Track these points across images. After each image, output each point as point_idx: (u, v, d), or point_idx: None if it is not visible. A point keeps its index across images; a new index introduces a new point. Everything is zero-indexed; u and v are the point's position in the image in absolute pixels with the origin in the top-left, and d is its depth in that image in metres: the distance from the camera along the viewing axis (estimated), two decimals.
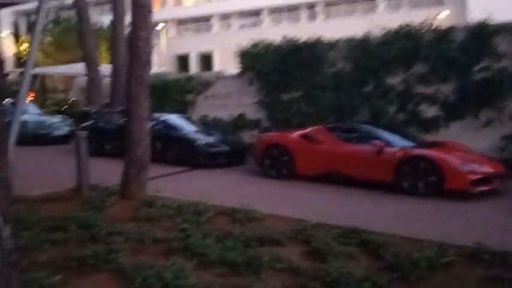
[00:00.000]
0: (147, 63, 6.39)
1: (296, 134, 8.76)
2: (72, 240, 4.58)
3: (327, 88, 10.59)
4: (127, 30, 16.94)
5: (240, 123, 11.98)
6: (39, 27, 6.51)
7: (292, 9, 34.84)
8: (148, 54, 6.38)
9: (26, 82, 6.45)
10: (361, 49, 10.24)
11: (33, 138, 12.51)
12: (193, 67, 34.60)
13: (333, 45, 10.70)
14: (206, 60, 35.36)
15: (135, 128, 6.37)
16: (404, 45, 9.81)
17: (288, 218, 5.59)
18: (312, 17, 34.04)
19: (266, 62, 11.28)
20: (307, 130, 8.77)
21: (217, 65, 33.34)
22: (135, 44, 6.27)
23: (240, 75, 12.12)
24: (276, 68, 11.12)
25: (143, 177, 6.45)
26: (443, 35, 9.61)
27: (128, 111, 6.49)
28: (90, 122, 11.96)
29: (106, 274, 3.84)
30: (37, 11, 6.44)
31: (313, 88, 10.74)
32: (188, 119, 11.73)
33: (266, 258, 4.05)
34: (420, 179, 7.18)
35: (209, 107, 12.63)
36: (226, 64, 29.02)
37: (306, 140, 8.49)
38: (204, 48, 35.16)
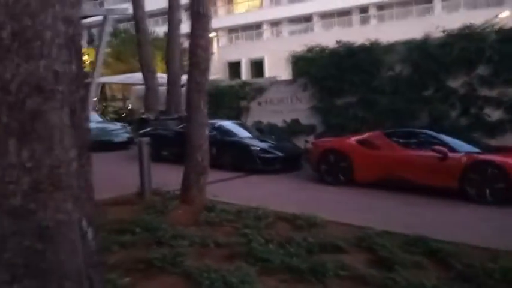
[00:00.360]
0: (206, 71, 6.51)
1: (353, 139, 8.60)
2: (139, 243, 4.71)
3: (384, 92, 10.33)
4: (182, 40, 17.47)
5: (294, 128, 11.92)
6: (104, 39, 6.81)
7: (344, 13, 34.43)
8: (207, 61, 6.50)
9: (92, 91, 6.76)
10: (420, 52, 9.91)
11: (95, 144, 13.00)
12: (244, 74, 34.94)
13: (390, 48, 10.43)
14: (257, 67, 35.60)
15: (195, 134, 6.49)
16: (466, 47, 9.40)
17: (350, 225, 5.48)
18: (365, 21, 33.46)
19: (320, 66, 11.17)
20: (364, 135, 8.59)
21: (267, 71, 33.48)
22: (194, 52, 6.41)
23: (293, 80, 12.09)
24: (330, 73, 10.99)
25: (203, 182, 6.54)
26: (508, 35, 9.12)
27: (188, 117, 6.63)
28: (148, 129, 12.33)
29: (173, 277, 3.92)
30: (102, 23, 6.75)
31: (369, 92, 10.51)
32: (242, 125, 11.83)
33: (330, 265, 3.98)
34: (487, 185, 6.84)
35: (263, 112, 12.67)
36: (277, 70, 29.09)
37: (364, 145, 8.32)
38: (255, 55, 35.42)
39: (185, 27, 17.56)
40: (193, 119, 6.50)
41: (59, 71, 2.05)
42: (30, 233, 2.02)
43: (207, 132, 6.64)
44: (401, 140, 8.10)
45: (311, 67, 11.36)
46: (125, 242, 4.67)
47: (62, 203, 2.09)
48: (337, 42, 11.13)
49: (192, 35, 6.39)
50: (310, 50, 11.50)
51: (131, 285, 3.71)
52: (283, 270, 4.03)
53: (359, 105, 10.73)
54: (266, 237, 4.83)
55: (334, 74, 10.93)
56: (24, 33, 1.96)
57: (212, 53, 6.88)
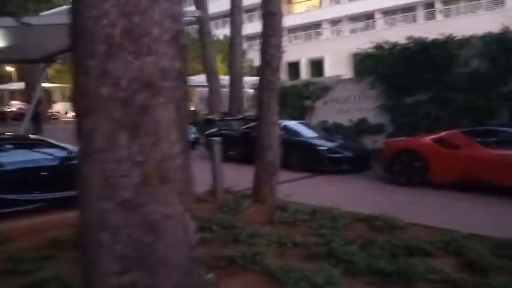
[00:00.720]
0: (278, 69, 6.48)
1: (429, 138, 8.22)
2: (217, 240, 4.75)
3: (459, 89, 9.81)
4: (243, 42, 17.62)
5: (361, 128, 11.64)
6: None
7: (408, 9, 33.28)
8: (279, 60, 6.46)
9: None
10: (498, 45, 9.33)
11: None
12: (304, 74, 34.75)
13: (465, 42, 9.91)
14: (316, 67, 35.29)
15: (266, 133, 6.46)
16: None
17: (432, 227, 5.23)
18: (430, 16, 32.15)
19: (390, 63, 10.82)
20: (441, 134, 8.18)
21: (327, 71, 33.10)
22: (266, 51, 6.38)
23: (360, 78, 11.81)
24: (400, 70, 10.62)
25: (274, 181, 6.50)
26: None
27: (259, 117, 6.62)
28: (214, 130, 12.52)
29: (254, 275, 3.90)
30: None
31: (443, 89, 10.03)
32: (308, 125, 11.70)
33: (420, 268, 3.79)
34: None
35: (328, 112, 12.48)
36: (337, 69, 28.67)
37: (441, 144, 7.92)
38: (314, 54, 35.12)
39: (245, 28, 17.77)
40: (264, 118, 6.48)
41: (165, 68, 2.07)
42: (140, 225, 2.06)
43: (277, 131, 6.61)
44: (481, 139, 7.66)
45: (379, 64, 11.03)
46: (204, 239, 4.71)
47: (168, 197, 2.12)
48: (408, 38, 10.71)
49: (264, 34, 6.37)
50: (378, 47, 11.18)
51: (216, 281, 3.73)
52: (367, 273, 3.90)
53: (431, 103, 10.27)
54: (345, 238, 4.71)
55: (404, 71, 10.55)
56: (134, 31, 2.00)
57: (283, 52, 6.80)
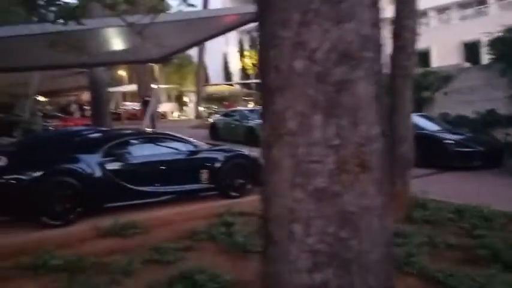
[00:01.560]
0: (413, 54, 5.96)
1: None
2: None
3: None
4: None
5: (490, 120, 10.52)
6: None
7: None
8: (414, 44, 5.94)
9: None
10: None
11: None
12: None
13: None
14: (422, 58, 33.23)
15: (400, 124, 5.97)
16: None
17: None
18: None
19: None
20: None
21: (434, 61, 31.00)
22: (399, 34, 5.87)
23: (488, 66, 10.68)
24: None
25: (408, 176, 6.00)
26: None
27: (391, 106, 6.14)
28: None
29: (412, 278, 3.53)
30: None
31: None
32: (429, 117, 10.82)
33: None
34: None
35: (449, 103, 11.50)
36: (445, 60, 26.65)
37: None
38: (420, 45, 32.94)
39: None
40: (397, 107, 5.99)
41: (366, 35, 1.79)
42: (334, 218, 1.80)
43: (411, 122, 6.09)
44: None
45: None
46: None
47: (366, 187, 1.84)
48: None
49: (397, 16, 5.88)
50: (510, 29, 10.00)
51: None
52: None
53: None
54: (507, 240, 4.11)
55: None
56: None
57: (418, 35, 6.25)
